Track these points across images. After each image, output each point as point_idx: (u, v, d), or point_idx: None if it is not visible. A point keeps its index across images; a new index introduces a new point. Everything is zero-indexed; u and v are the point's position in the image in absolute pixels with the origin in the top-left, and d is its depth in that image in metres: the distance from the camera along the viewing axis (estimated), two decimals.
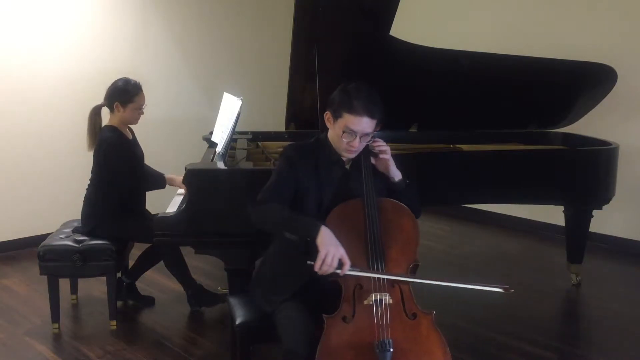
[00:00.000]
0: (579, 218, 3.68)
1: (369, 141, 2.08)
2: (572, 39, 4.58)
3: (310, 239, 1.92)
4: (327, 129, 2.16)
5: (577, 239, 3.74)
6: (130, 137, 3.32)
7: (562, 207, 3.76)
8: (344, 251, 1.89)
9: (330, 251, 1.86)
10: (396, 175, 2.16)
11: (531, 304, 3.54)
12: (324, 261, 1.85)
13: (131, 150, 3.25)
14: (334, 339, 1.84)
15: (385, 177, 2.17)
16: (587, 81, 3.70)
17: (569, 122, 4.04)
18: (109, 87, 3.20)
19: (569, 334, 3.31)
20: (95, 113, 3.21)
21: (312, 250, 1.92)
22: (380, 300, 1.89)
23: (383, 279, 1.93)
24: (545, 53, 3.76)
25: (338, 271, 1.87)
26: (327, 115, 2.12)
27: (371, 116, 2.03)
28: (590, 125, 4.10)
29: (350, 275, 1.90)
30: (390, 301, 1.90)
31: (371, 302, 1.88)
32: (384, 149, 2.12)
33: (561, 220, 3.82)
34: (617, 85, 3.73)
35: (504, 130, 4.00)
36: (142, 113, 3.25)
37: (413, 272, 2.05)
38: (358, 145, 2.05)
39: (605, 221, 4.27)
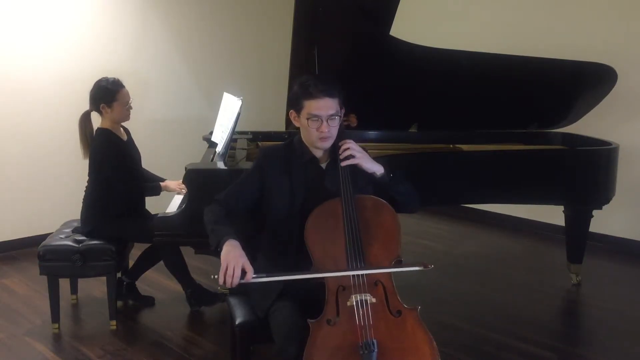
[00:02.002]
0: (579, 218, 3.68)
1: (338, 123, 2.08)
2: (572, 39, 4.58)
3: (219, 250, 1.95)
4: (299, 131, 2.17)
5: (577, 239, 3.74)
6: (125, 138, 3.31)
7: (562, 207, 3.76)
8: (245, 260, 1.90)
9: (230, 263, 1.88)
10: (376, 170, 2.13)
11: (531, 304, 3.54)
12: (225, 273, 1.87)
13: (126, 152, 3.24)
14: (320, 342, 1.82)
15: (368, 173, 2.15)
16: (587, 81, 3.70)
17: (569, 122, 4.04)
18: (90, 92, 3.18)
19: (569, 334, 3.31)
20: (85, 119, 3.19)
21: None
22: (362, 300, 1.87)
23: (363, 279, 1.91)
24: (545, 53, 3.76)
25: (243, 281, 1.89)
26: (292, 114, 2.13)
27: (330, 95, 2.04)
28: (590, 125, 4.09)
29: (257, 282, 1.91)
30: (373, 300, 1.89)
31: (353, 304, 1.87)
32: (350, 152, 2.09)
33: (561, 220, 3.82)
34: (617, 85, 3.73)
35: (504, 130, 4.00)
36: (131, 108, 3.23)
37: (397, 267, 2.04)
38: (327, 129, 2.04)
39: (605, 221, 4.26)
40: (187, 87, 5.39)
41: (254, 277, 1.90)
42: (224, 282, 1.87)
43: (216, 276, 1.90)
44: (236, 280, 1.88)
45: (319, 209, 2.04)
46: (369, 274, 1.94)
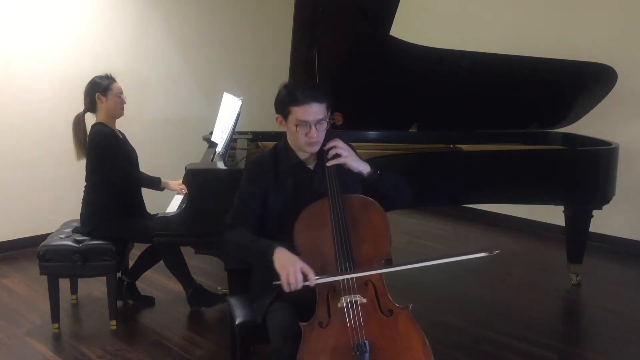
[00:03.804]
0: (579, 218, 3.68)
1: (326, 127, 2.07)
2: (572, 39, 4.58)
3: (269, 264, 1.91)
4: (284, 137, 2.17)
5: (577, 239, 3.74)
6: (121, 137, 3.32)
7: (562, 207, 3.76)
8: (302, 263, 1.87)
9: (290, 270, 1.85)
10: (363, 169, 2.13)
11: (531, 304, 3.54)
12: (288, 281, 1.85)
13: (122, 147, 3.25)
14: (312, 345, 1.82)
15: (355, 172, 2.14)
16: (587, 81, 3.70)
17: (569, 122, 4.04)
18: (85, 89, 3.21)
19: (569, 334, 3.30)
20: (79, 121, 3.20)
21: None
22: (352, 302, 1.86)
23: (352, 280, 1.91)
24: (545, 53, 3.76)
25: (307, 283, 1.86)
26: (279, 118, 2.13)
27: (317, 100, 2.03)
28: (590, 125, 4.09)
29: (321, 283, 1.89)
30: (364, 301, 1.88)
31: (343, 305, 1.87)
32: (337, 152, 2.09)
33: (561, 220, 3.82)
34: (617, 85, 3.73)
35: (504, 130, 4.00)
36: (125, 102, 3.25)
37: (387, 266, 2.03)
38: (316, 134, 2.04)
39: (605, 221, 4.26)
40: (187, 87, 5.39)
41: (316, 278, 1.87)
42: (287, 289, 1.85)
43: (277, 282, 1.87)
44: (300, 285, 1.85)
45: (306, 211, 2.03)
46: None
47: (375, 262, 1.99)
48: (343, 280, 1.90)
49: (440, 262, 1.89)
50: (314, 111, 2.02)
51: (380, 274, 1.97)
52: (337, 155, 2.09)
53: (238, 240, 2.06)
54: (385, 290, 1.94)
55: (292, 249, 1.96)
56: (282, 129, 2.15)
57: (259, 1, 5.83)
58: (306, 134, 2.04)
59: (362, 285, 1.92)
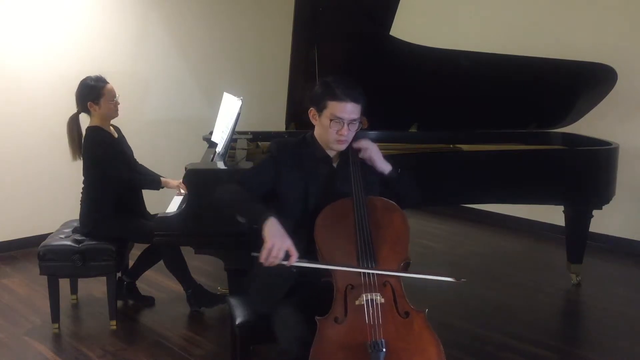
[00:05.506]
0: (579, 218, 3.68)
1: (357, 129, 2.10)
2: (572, 39, 4.58)
3: (257, 227, 1.92)
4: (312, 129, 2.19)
5: (577, 239, 3.74)
6: (117, 136, 3.31)
7: (562, 207, 3.76)
8: (290, 243, 1.88)
9: (277, 243, 1.86)
10: (385, 168, 2.18)
11: (531, 304, 3.54)
12: (270, 252, 1.85)
13: (118, 148, 3.24)
14: (327, 340, 1.83)
15: (376, 171, 2.18)
16: (587, 81, 3.70)
17: (569, 122, 4.04)
18: (76, 92, 3.18)
19: (569, 334, 3.31)
20: (74, 122, 3.18)
21: (257, 240, 1.90)
22: (372, 300, 1.87)
23: (373, 277, 1.92)
24: (545, 53, 3.76)
25: (285, 262, 1.86)
26: (312, 111, 2.14)
27: (355, 101, 2.06)
28: (590, 125, 4.10)
29: (298, 267, 1.90)
30: (382, 300, 1.89)
31: (362, 302, 1.87)
32: (363, 145, 2.14)
33: (561, 220, 3.82)
34: (617, 85, 3.73)
35: (504, 130, 4.00)
36: (119, 103, 3.23)
37: (405, 270, 2.04)
38: (347, 132, 2.06)
39: (605, 221, 4.27)
40: (187, 87, 5.39)
41: (296, 261, 1.88)
42: (265, 260, 1.85)
43: (256, 254, 1.87)
44: (277, 262, 1.86)
45: (329, 208, 2.05)
46: (387, 275, 1.94)
47: (395, 262, 2.01)
48: (364, 278, 1.92)
49: (406, 276, 1.96)
50: (350, 110, 2.05)
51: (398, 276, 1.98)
52: (367, 150, 2.14)
53: (235, 192, 2.08)
54: (402, 292, 1.95)
55: (300, 231, 1.99)
56: (313, 122, 2.16)
57: (259, 1, 5.83)
58: (337, 131, 2.06)
59: (381, 285, 1.93)
